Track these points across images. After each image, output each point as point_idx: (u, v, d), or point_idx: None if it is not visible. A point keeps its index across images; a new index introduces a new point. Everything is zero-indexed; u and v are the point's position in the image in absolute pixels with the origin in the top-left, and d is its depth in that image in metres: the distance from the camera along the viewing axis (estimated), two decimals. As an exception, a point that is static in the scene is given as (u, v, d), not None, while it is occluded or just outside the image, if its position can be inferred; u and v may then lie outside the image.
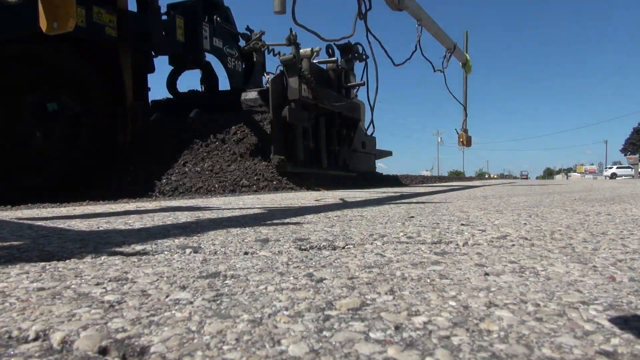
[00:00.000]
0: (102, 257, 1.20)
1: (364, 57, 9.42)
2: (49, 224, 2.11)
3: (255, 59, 8.57)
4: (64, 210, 3.21)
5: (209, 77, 9.54)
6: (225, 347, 0.57)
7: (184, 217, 2.37)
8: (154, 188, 6.05)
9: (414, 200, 3.79)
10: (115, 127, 7.18)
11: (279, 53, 7.71)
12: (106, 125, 6.98)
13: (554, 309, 0.72)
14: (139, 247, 1.34)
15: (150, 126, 7.75)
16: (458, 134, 10.41)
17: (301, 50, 7.71)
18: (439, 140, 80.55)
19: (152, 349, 0.57)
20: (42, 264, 1.12)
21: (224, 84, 9.58)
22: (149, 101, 8.90)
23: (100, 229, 1.87)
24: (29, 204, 4.14)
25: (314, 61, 8.28)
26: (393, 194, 4.96)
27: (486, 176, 76.58)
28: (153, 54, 8.30)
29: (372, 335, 0.61)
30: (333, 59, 8.99)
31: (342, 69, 9.21)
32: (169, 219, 2.30)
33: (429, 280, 0.91)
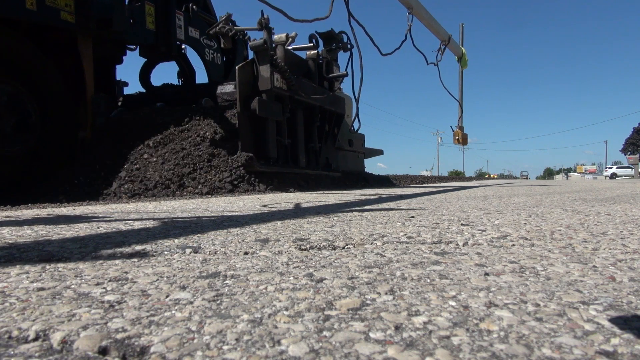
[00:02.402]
0: (102, 257, 1.20)
1: (348, 46, 8.62)
2: (49, 224, 2.11)
3: (222, 45, 7.72)
4: (63, 210, 3.21)
5: (185, 70, 8.93)
6: (225, 347, 0.57)
7: (183, 217, 2.37)
8: (108, 188, 5.50)
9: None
10: (74, 122, 6.54)
11: (249, 37, 6.90)
12: (64, 120, 6.32)
13: (554, 309, 0.72)
14: (139, 247, 1.34)
15: (111, 121, 7.06)
16: (453, 131, 10.18)
17: (275, 36, 6.90)
18: (439, 140, 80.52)
19: (152, 349, 0.57)
20: (42, 264, 1.12)
21: (203, 78, 9.12)
22: (121, 95, 8.23)
23: (100, 228, 1.87)
24: (29, 204, 4.14)
25: (290, 48, 7.46)
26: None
27: (486, 176, 76.55)
28: (133, 45, 7.72)
29: (372, 335, 0.61)
30: (310, 44, 8.16)
31: (323, 58, 8.35)
32: (169, 219, 2.30)
33: (429, 280, 0.91)
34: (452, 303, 0.75)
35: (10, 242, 1.50)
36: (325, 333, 0.62)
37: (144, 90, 8.59)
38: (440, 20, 8.22)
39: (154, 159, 6.09)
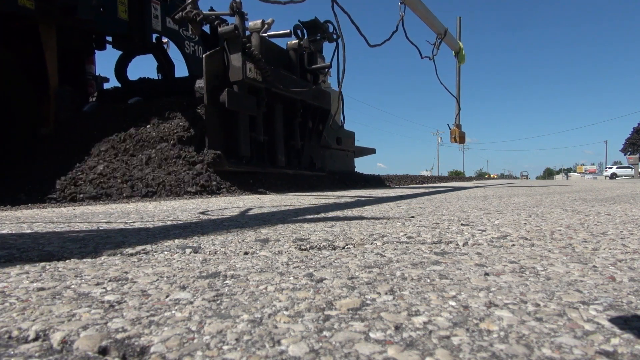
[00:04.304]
0: (102, 257, 1.20)
1: (334, 37, 7.94)
2: (49, 224, 2.11)
3: (190, 33, 7.19)
4: (63, 210, 3.21)
5: (162, 63, 8.48)
6: (225, 347, 0.57)
7: (184, 217, 2.37)
8: (56, 189, 4.97)
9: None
10: (35, 116, 6.08)
11: (221, 21, 6.27)
12: (23, 115, 5.90)
13: (554, 309, 0.72)
14: (139, 247, 1.34)
15: (75, 117, 6.50)
16: (450, 129, 9.90)
17: (250, 23, 6.40)
18: (439, 140, 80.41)
19: (152, 349, 0.57)
20: (42, 264, 1.12)
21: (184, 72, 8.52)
22: (97, 91, 7.77)
23: (100, 229, 1.87)
24: (29, 204, 4.14)
25: (265, 35, 6.88)
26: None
27: (486, 176, 76.54)
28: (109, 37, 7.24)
29: (372, 335, 0.61)
30: (286, 31, 7.49)
31: (306, 49, 7.68)
32: (169, 219, 2.30)
33: (429, 280, 0.91)
34: (452, 303, 0.75)
35: (10, 241, 1.50)
36: (325, 333, 0.62)
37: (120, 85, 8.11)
38: (437, 16, 7.99)
39: (116, 159, 5.62)
